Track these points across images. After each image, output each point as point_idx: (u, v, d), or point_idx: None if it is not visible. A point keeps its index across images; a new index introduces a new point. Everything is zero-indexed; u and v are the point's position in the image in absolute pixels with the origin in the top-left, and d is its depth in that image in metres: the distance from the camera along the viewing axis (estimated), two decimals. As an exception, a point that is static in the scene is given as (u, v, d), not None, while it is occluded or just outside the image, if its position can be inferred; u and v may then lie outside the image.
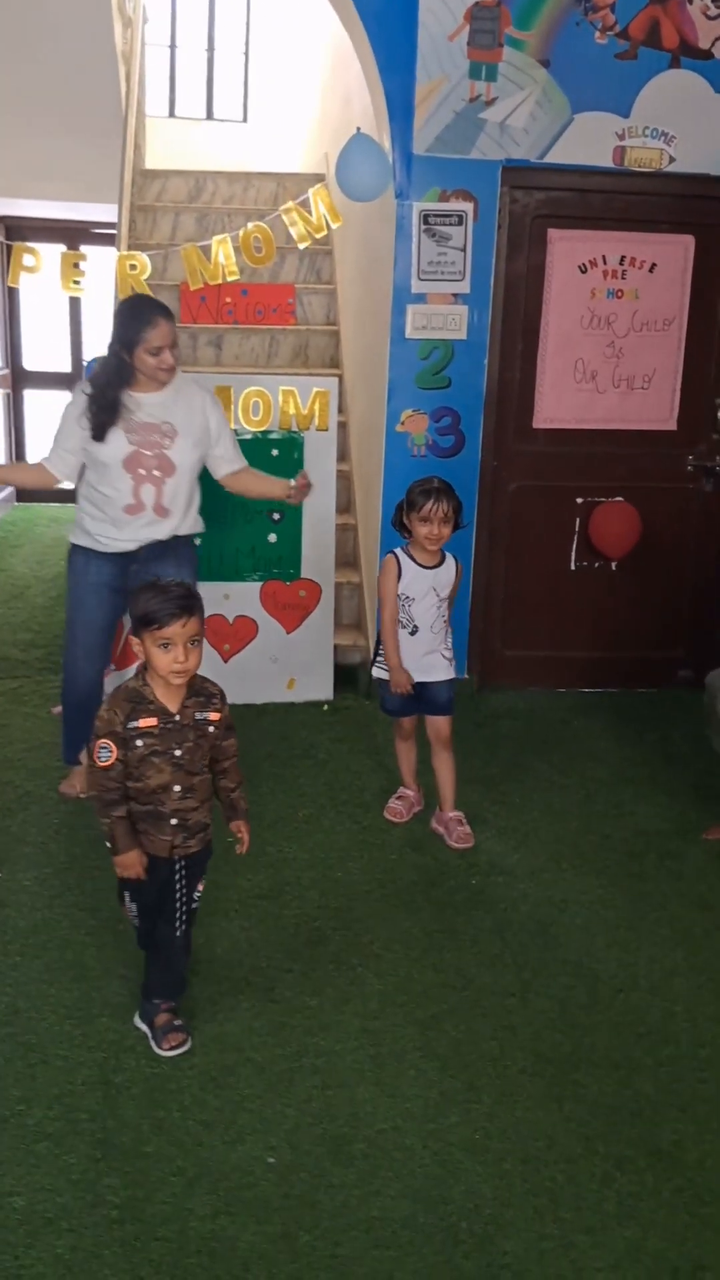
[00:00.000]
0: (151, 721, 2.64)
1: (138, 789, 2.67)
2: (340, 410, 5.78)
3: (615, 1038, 2.88)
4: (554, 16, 4.45)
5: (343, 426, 5.91)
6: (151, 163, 7.99)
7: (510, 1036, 2.87)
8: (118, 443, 3.69)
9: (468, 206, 4.62)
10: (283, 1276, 2.14)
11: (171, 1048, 2.74)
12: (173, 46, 9.72)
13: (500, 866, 3.69)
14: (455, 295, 4.71)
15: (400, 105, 4.50)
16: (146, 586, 2.67)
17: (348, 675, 5.20)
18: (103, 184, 7.04)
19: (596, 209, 4.80)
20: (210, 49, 9.82)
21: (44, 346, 9.55)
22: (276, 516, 4.83)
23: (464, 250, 4.66)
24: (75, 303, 9.32)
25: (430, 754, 3.93)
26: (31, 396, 9.50)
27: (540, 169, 4.66)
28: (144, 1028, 2.81)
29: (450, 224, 4.62)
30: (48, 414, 9.45)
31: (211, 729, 2.72)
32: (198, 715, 2.70)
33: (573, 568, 5.16)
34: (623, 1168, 2.45)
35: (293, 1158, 2.44)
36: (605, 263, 4.85)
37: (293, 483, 3.94)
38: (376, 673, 3.89)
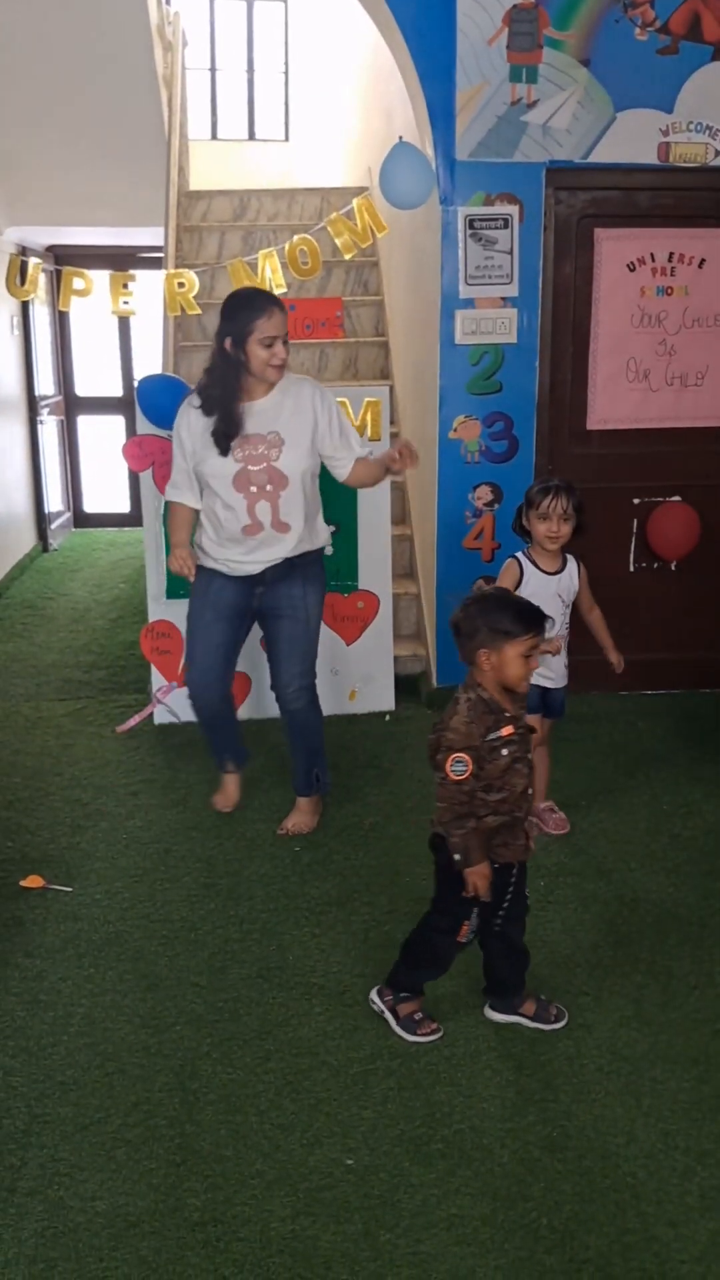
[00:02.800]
0: (509, 730, 2.63)
1: (499, 800, 2.63)
2: (391, 421, 5.79)
3: (691, 1034, 2.84)
4: (593, 15, 4.44)
5: (394, 437, 5.92)
6: (195, 185, 8.09)
7: (586, 1035, 2.84)
8: (223, 460, 3.53)
9: (513, 210, 4.62)
10: (365, 1275, 2.14)
11: (429, 1033, 2.81)
12: (213, 70, 9.85)
13: (568, 867, 3.66)
14: (504, 299, 4.71)
15: (442, 112, 4.52)
16: (492, 601, 2.69)
17: (408, 685, 5.19)
18: (147, 208, 7.13)
19: (643, 206, 4.78)
20: (250, 70, 9.93)
21: (95, 372, 9.67)
22: (333, 528, 4.83)
23: (511, 253, 4.65)
24: (125, 328, 9.44)
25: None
26: (84, 422, 9.63)
27: (584, 169, 4.65)
28: (386, 1012, 2.86)
29: (496, 228, 4.62)
30: (100, 439, 9.59)
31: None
32: (526, 716, 2.76)
33: (631, 569, 5.12)
34: (703, 1161, 2.42)
35: (371, 1159, 2.44)
36: (654, 260, 4.82)
37: (396, 454, 3.64)
38: None
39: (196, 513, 3.73)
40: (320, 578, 3.85)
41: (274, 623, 3.79)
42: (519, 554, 3.76)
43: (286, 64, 9.96)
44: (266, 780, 4.31)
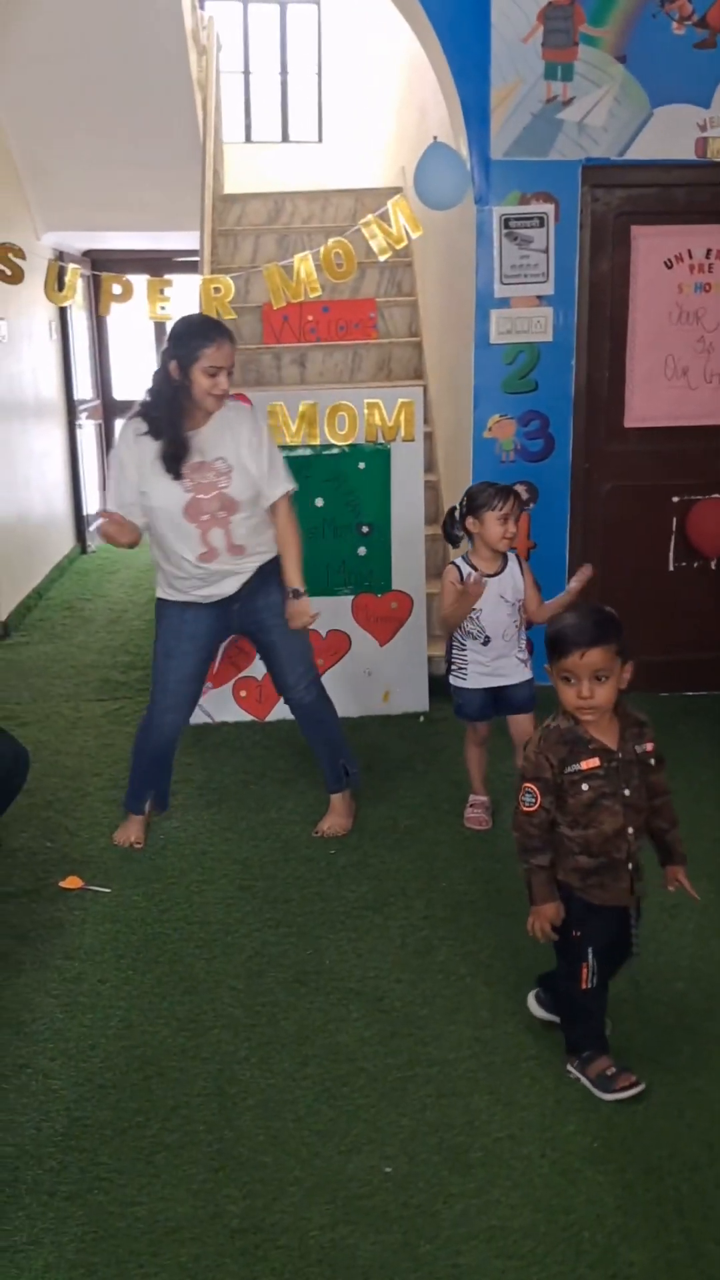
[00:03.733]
0: (594, 762, 2.47)
1: (588, 838, 2.50)
2: (425, 421, 5.78)
3: (736, 1043, 2.81)
4: (629, 10, 4.41)
5: (428, 437, 5.90)
6: (230, 188, 8.10)
7: (627, 1044, 2.80)
8: (172, 491, 3.46)
9: (549, 208, 4.59)
10: (405, 1286, 2.12)
11: (626, 1087, 2.56)
12: (246, 72, 9.86)
13: (608, 872, 3.63)
14: (539, 298, 4.68)
15: (476, 111, 4.49)
16: (567, 613, 2.55)
17: (442, 685, 5.15)
18: (183, 212, 7.15)
19: (680, 203, 4.73)
20: (284, 72, 9.93)
21: (132, 376, 9.71)
22: (365, 530, 4.83)
23: (546, 252, 4.63)
24: (161, 332, 9.45)
25: (515, 757, 3.90)
26: (122, 426, 9.66)
27: (621, 166, 4.61)
28: (581, 1078, 2.64)
29: (531, 226, 4.59)
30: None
31: (652, 761, 2.57)
32: (637, 748, 2.54)
33: (671, 568, 5.08)
34: (750, 1175, 2.38)
35: (410, 1167, 2.42)
36: (691, 257, 4.77)
37: (294, 602, 3.63)
38: (453, 680, 3.88)
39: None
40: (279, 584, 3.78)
41: (265, 635, 3.76)
42: (456, 560, 3.76)
43: (320, 65, 9.95)
44: (301, 781, 4.30)
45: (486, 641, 3.73)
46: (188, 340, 3.40)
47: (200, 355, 3.37)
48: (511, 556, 3.76)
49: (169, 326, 3.58)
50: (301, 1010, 2.96)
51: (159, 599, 3.73)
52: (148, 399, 3.52)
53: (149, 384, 3.53)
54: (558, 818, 2.52)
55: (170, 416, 3.45)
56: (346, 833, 3.91)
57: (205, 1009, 2.97)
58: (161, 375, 3.46)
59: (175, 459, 3.45)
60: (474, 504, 3.69)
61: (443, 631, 5.38)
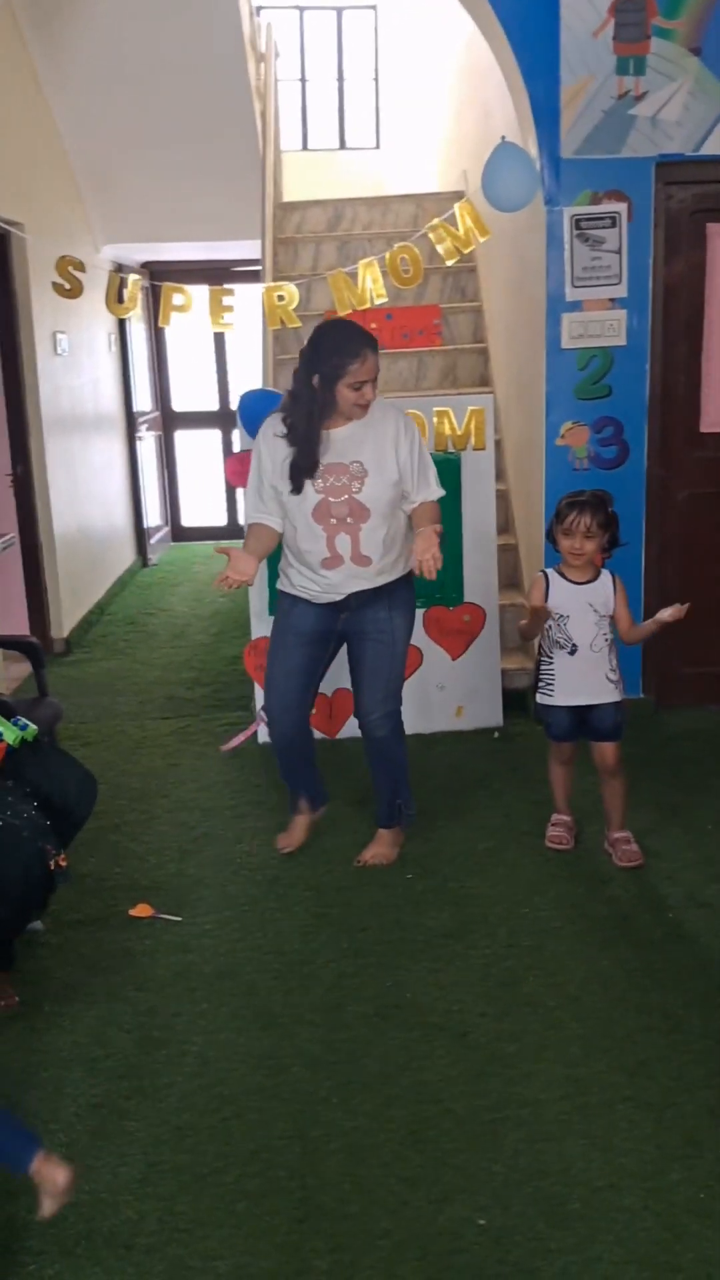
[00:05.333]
0: None
1: None
2: (494, 429, 5.65)
3: None
4: (703, 1, 4.25)
5: (497, 445, 5.77)
6: (288, 196, 8.03)
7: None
8: (304, 491, 3.39)
9: (621, 207, 4.45)
10: None
11: None
12: (303, 80, 9.80)
13: (698, 899, 3.47)
14: (612, 300, 4.54)
15: (546, 109, 4.36)
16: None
17: (517, 700, 5.03)
18: (242, 221, 7.09)
19: (758, 198, 4.57)
20: (340, 79, 9.86)
21: (191, 387, 9.68)
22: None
23: (619, 253, 4.48)
24: (220, 343, 9.44)
25: (599, 781, 3.76)
26: (181, 437, 9.64)
27: (696, 162, 4.45)
28: None
29: (603, 227, 4.45)
30: (198, 454, 9.61)
31: None
32: None
33: (750, 577, 4.90)
34: None
35: (504, 1219, 2.29)
36: (769, 254, 4.61)
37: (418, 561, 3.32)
38: (540, 698, 3.74)
39: (267, 538, 3.54)
40: (409, 601, 3.66)
41: (358, 645, 3.64)
42: (547, 569, 3.66)
43: (376, 71, 9.86)
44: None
45: (574, 651, 3.59)
46: (331, 355, 3.30)
47: (346, 372, 3.28)
48: (609, 574, 3.62)
49: (312, 333, 3.42)
50: (383, 1046, 2.84)
51: (278, 589, 3.69)
52: (288, 406, 3.43)
53: (292, 385, 3.44)
54: None
55: (307, 428, 3.35)
56: (391, 863, 3.77)
57: (283, 1045, 2.86)
58: (302, 382, 3.35)
59: (302, 471, 3.37)
60: (555, 514, 3.58)
61: (519, 643, 5.25)
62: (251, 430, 4.51)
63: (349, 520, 3.41)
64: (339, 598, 3.53)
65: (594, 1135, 2.51)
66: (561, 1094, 2.65)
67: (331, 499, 3.39)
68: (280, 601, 3.67)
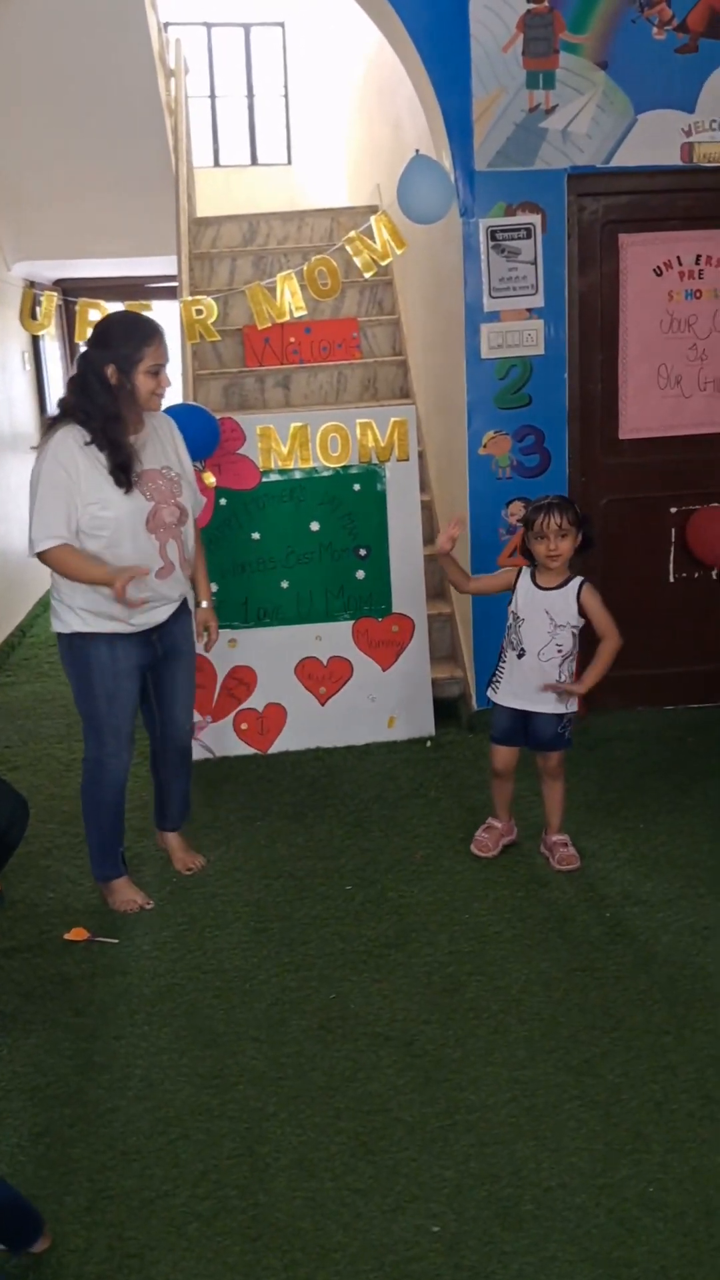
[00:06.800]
0: None
1: None
2: (416, 440, 5.69)
3: (787, 1073, 2.69)
4: (609, 16, 4.33)
5: (420, 456, 5.80)
6: (201, 212, 8.01)
7: (671, 1078, 2.69)
8: (133, 501, 3.21)
9: (535, 219, 4.51)
10: None
11: None
12: (213, 96, 9.80)
13: (634, 896, 3.51)
14: (529, 310, 4.59)
15: (458, 122, 4.41)
16: None
17: (448, 709, 5.05)
18: (156, 237, 7.05)
19: (667, 209, 4.65)
20: (250, 95, 9.88)
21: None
22: (363, 553, 4.72)
23: (535, 263, 4.53)
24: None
25: (539, 781, 3.79)
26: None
27: (606, 174, 4.53)
28: None
29: (519, 238, 4.50)
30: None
31: None
32: None
33: (672, 580, 4.98)
34: None
35: (458, 1225, 2.29)
36: (680, 264, 4.69)
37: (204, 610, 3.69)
38: (489, 692, 3.73)
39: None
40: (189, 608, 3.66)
41: (172, 664, 3.55)
42: (525, 567, 3.67)
43: (286, 87, 9.90)
44: (309, 815, 4.18)
45: (522, 655, 3.60)
46: (125, 340, 3.18)
47: (142, 355, 3.17)
48: (576, 583, 3.59)
49: (95, 327, 3.32)
50: (329, 1059, 2.82)
51: (74, 634, 3.32)
52: (77, 406, 3.21)
53: (73, 390, 3.23)
54: None
55: (113, 425, 3.19)
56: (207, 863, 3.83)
57: (228, 1063, 2.82)
58: (94, 379, 3.18)
59: (125, 469, 3.19)
60: (524, 522, 3.59)
61: (449, 652, 5.27)
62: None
63: (175, 525, 3.34)
64: (165, 614, 3.41)
65: (543, 1136, 2.52)
66: (509, 1097, 2.65)
67: (162, 505, 3.29)
68: (90, 647, 3.31)
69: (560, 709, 3.64)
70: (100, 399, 3.18)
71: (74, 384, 3.24)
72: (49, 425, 3.29)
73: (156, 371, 3.22)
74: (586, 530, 3.55)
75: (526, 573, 3.63)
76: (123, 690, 3.39)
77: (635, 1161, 2.43)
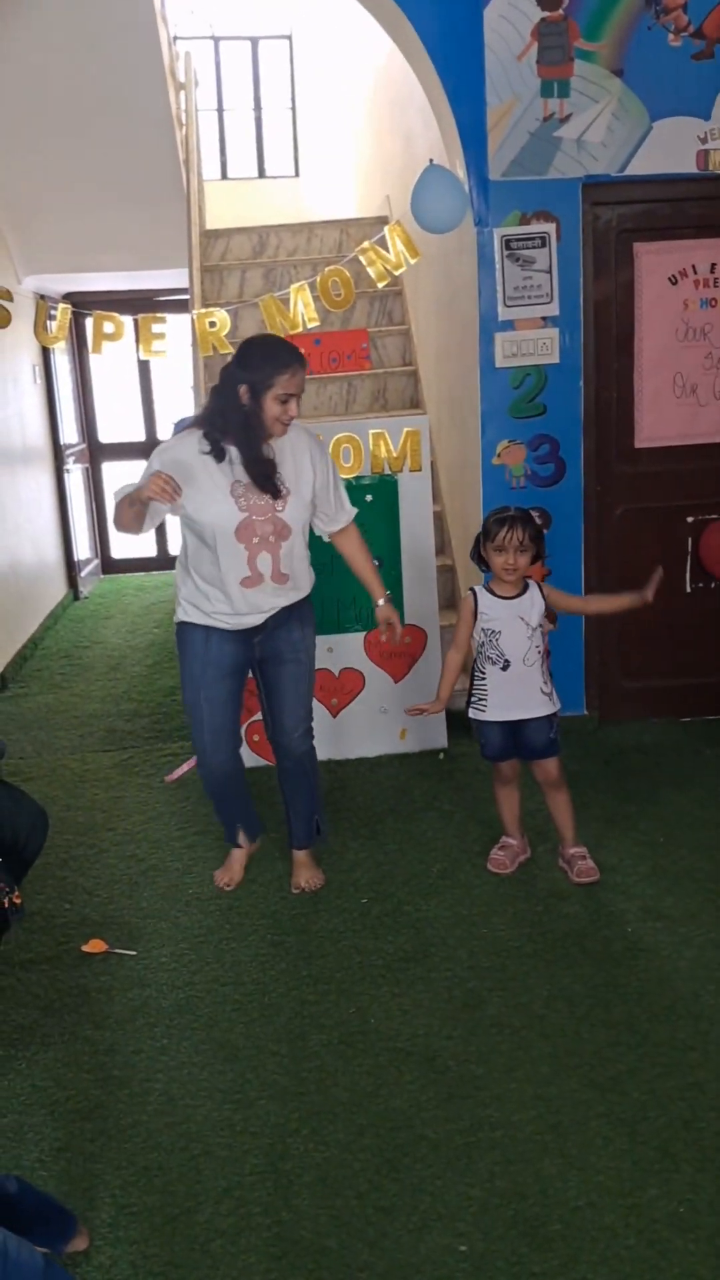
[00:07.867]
0: None
1: None
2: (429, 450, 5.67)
3: None
4: (624, 24, 4.32)
5: (431, 466, 5.79)
6: (210, 225, 8.01)
7: (699, 1095, 2.65)
8: (226, 509, 3.30)
9: (550, 227, 4.49)
10: None
11: None
12: (220, 109, 9.81)
13: (655, 911, 3.47)
14: (544, 319, 4.58)
15: (472, 132, 4.40)
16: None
17: (461, 721, 5.01)
18: (166, 250, 7.05)
19: (683, 218, 4.63)
20: (258, 108, 9.89)
21: (117, 418, 9.59)
22: (376, 563, 4.68)
23: (549, 272, 4.52)
24: (145, 372, 9.36)
25: (544, 796, 3.75)
26: (109, 469, 9.53)
27: (621, 182, 4.52)
28: None
29: (533, 247, 4.49)
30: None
31: None
32: None
33: (688, 590, 4.95)
34: None
35: (485, 1244, 2.25)
36: (696, 272, 4.68)
37: (382, 603, 3.71)
38: (473, 714, 3.72)
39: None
40: (313, 619, 3.67)
41: (276, 668, 3.60)
42: (474, 587, 3.66)
43: (293, 99, 9.91)
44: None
45: (506, 666, 3.58)
46: (261, 365, 3.24)
47: (274, 382, 3.22)
48: (534, 585, 3.62)
49: (240, 345, 3.36)
50: (351, 1075, 2.79)
51: (180, 623, 3.53)
52: (210, 418, 3.32)
53: (211, 402, 3.34)
54: None
55: (246, 439, 3.27)
56: (323, 883, 3.76)
57: (249, 1078, 2.79)
58: (228, 397, 3.28)
59: (267, 477, 3.30)
60: (484, 531, 3.57)
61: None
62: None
63: (271, 539, 3.37)
64: (258, 620, 3.47)
65: (569, 1154, 2.49)
66: (534, 1114, 2.62)
67: (256, 518, 3.33)
68: (189, 635, 3.52)
69: (552, 709, 3.63)
70: (231, 414, 3.27)
71: (213, 394, 3.36)
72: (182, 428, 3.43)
73: (286, 400, 3.26)
74: (539, 547, 3.57)
75: (482, 591, 3.62)
76: (212, 681, 3.51)
77: (664, 1181, 2.40)
